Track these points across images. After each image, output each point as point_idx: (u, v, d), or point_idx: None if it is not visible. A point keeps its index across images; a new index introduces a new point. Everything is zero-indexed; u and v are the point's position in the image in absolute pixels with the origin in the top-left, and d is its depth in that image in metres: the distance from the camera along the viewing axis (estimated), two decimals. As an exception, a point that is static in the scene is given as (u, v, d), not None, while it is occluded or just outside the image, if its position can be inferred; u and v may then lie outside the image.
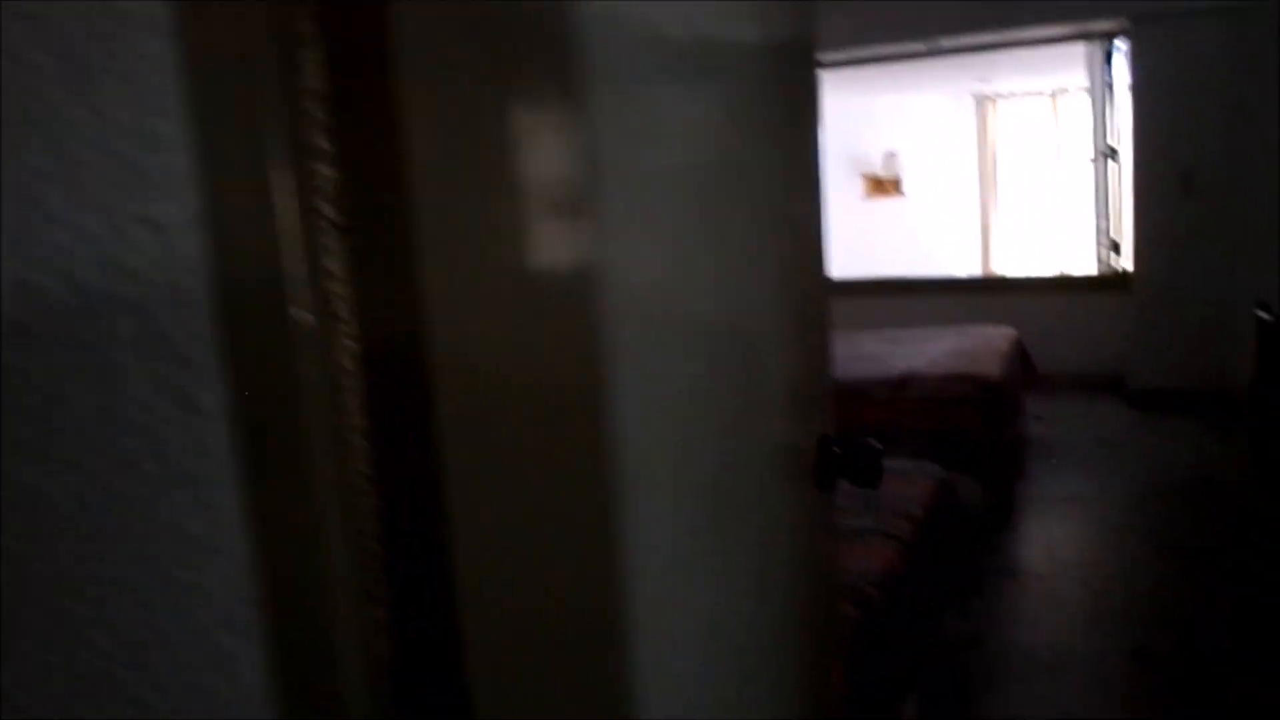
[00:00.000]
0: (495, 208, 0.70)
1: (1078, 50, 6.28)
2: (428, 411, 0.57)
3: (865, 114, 9.56)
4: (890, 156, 9.63)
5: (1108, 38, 5.92)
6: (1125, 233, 5.98)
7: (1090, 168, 6.40)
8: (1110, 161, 6.04)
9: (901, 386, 4.28)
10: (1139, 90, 5.66)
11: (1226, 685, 2.79)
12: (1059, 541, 3.93)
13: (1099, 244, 6.38)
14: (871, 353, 4.92)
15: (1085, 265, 6.81)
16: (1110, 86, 6.03)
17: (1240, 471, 4.44)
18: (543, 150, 0.72)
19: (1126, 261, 6.01)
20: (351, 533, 0.56)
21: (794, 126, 1.30)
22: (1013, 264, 9.32)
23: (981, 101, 9.66)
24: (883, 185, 9.76)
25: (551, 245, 0.73)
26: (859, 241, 9.48)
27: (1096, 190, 6.31)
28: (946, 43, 6.21)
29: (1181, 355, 5.75)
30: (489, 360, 0.73)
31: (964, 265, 9.32)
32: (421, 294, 0.56)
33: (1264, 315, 3.32)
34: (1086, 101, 6.41)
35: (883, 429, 4.20)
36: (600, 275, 0.75)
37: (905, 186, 9.79)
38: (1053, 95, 9.34)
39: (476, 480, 0.73)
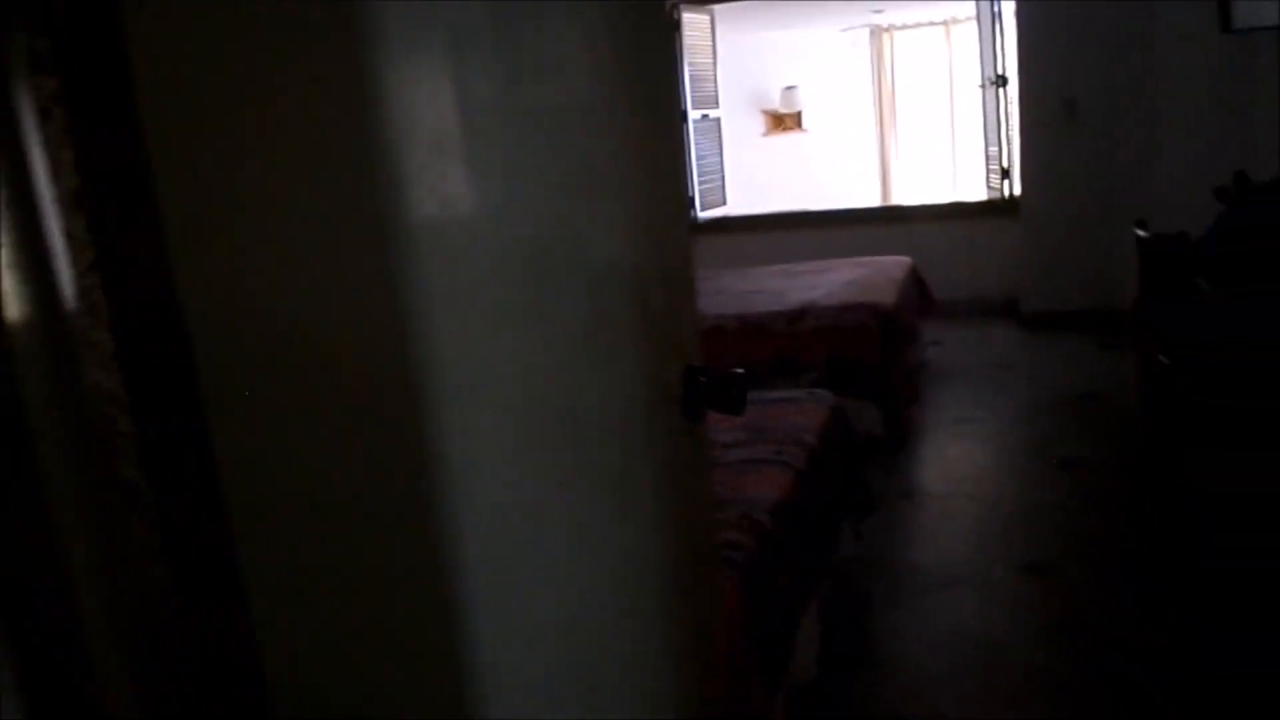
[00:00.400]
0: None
1: (966, -22, 6.33)
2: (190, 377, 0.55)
3: (763, 50, 9.55)
4: (789, 91, 9.64)
5: (993, -35, 5.98)
6: (1015, 159, 6.10)
7: (980, 96, 6.49)
8: (1000, 90, 6.14)
9: (799, 318, 4.33)
10: (1024, 18, 5.74)
11: (1115, 594, 2.92)
12: (954, 461, 4.05)
13: (989, 171, 6.51)
14: (771, 287, 4.97)
15: (979, 193, 6.94)
16: (998, 15, 6.11)
17: (1124, 386, 4.62)
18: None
19: (1017, 188, 6.15)
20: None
21: (648, 64, 1.27)
22: (911, 194, 9.46)
23: (877, 33, 9.72)
24: (783, 120, 9.79)
25: (344, 183, 0.70)
26: (761, 177, 9.52)
27: (986, 118, 6.41)
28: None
29: (1069, 277, 5.93)
30: (273, 315, 0.70)
31: (864, 197, 9.43)
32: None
33: (1142, 234, 3.43)
34: (976, 30, 6.48)
35: (783, 360, 4.27)
36: (407, 209, 0.73)
37: (805, 121, 9.82)
38: (945, 24, 9.44)
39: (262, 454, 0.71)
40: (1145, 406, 4.12)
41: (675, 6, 6.39)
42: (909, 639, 2.78)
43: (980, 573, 3.09)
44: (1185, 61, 5.09)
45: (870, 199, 9.52)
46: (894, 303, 4.38)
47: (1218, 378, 3.01)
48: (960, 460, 4.06)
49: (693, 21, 6.53)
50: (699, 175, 6.65)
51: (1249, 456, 2.80)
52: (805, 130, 9.80)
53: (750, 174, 9.52)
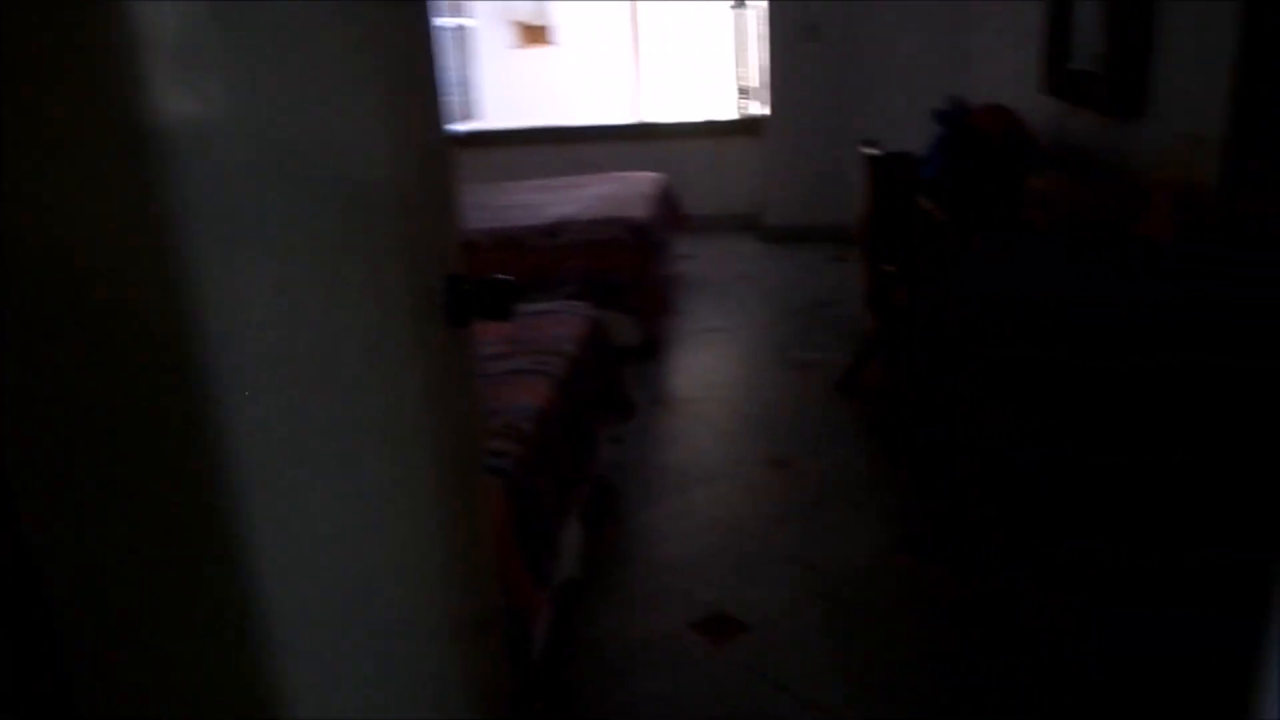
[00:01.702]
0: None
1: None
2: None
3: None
4: (539, 3, 9.51)
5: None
6: (761, 80, 6.36)
7: (731, 17, 6.69)
8: (745, 10, 6.36)
9: (556, 232, 4.38)
10: (766, -61, 5.95)
11: (843, 480, 3.22)
12: (703, 368, 4.28)
13: (738, 90, 6.76)
14: (527, 201, 4.98)
15: (728, 110, 7.19)
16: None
17: (853, 293, 5.02)
18: None
19: (763, 107, 6.43)
20: None
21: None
22: (663, 111, 9.65)
23: (627, -53, 9.71)
24: (534, 33, 9.66)
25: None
26: (513, 91, 9.39)
27: (736, 38, 6.63)
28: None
29: (807, 194, 6.31)
30: None
31: (618, 113, 9.51)
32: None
33: (870, 151, 3.70)
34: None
35: (541, 274, 4.32)
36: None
37: (557, 35, 9.74)
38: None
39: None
40: (870, 311, 4.51)
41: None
42: (665, 532, 2.96)
43: (728, 469, 3.32)
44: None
45: (623, 115, 9.63)
46: (647, 218, 4.52)
47: (931, 290, 3.34)
48: (709, 367, 4.30)
49: (440, -76, 6.29)
50: (451, 87, 6.48)
51: (944, 360, 3.14)
52: (556, 44, 9.72)
53: (502, 87, 9.38)
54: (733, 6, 6.58)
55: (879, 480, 3.20)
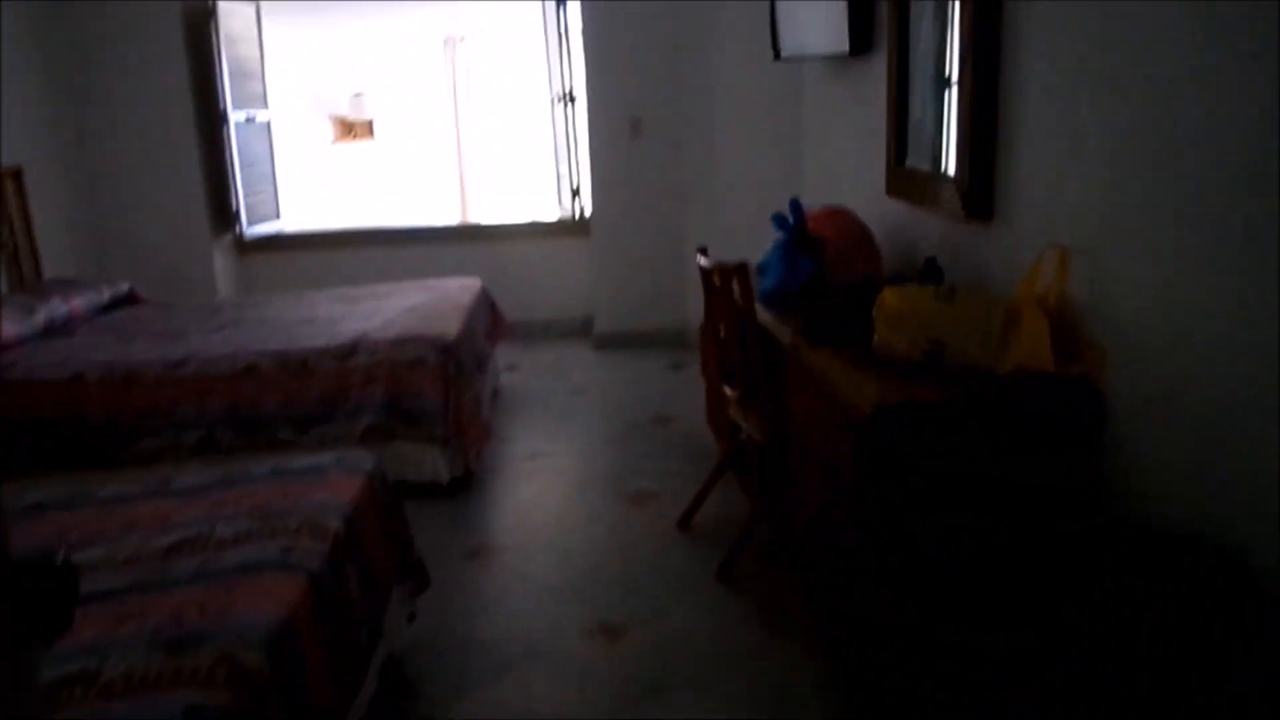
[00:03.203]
0: None
1: (534, -9, 6.13)
2: None
3: (331, 53, 8.82)
4: (358, 98, 9.00)
5: (555, -20, 5.82)
6: (585, 177, 5.99)
7: (550, 112, 6.32)
8: (568, 106, 6.00)
9: (350, 354, 3.79)
10: (590, 34, 5.62)
11: (701, 655, 2.70)
12: (524, 506, 3.72)
13: (560, 189, 6.36)
14: (323, 315, 4.38)
15: (552, 211, 6.79)
16: (565, 31, 5.95)
17: (693, 408, 4.60)
18: None
19: (589, 207, 6.04)
20: None
21: None
22: (487, 211, 9.21)
23: (451, 42, 9.36)
24: (352, 128, 9.12)
25: None
26: (329, 189, 8.80)
27: (556, 135, 6.26)
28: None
29: (639, 297, 5.92)
30: None
31: (441, 213, 9.03)
32: None
33: (703, 262, 3.31)
34: (544, 44, 6.31)
35: (331, 402, 3.71)
36: None
37: (376, 130, 9.22)
38: (522, 34, 9.29)
39: None
40: (710, 426, 4.08)
41: (209, -6, 5.55)
42: (469, 742, 2.36)
43: (552, 643, 2.75)
44: (741, 84, 5.21)
45: (446, 215, 9.14)
46: (458, 332, 3.98)
47: (792, 416, 2.91)
48: (531, 503, 3.74)
49: (233, 11, 5.71)
50: (244, 185, 5.83)
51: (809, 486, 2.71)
52: (374, 139, 9.20)
53: (317, 185, 8.77)
54: (551, 102, 6.22)
55: (735, 649, 2.70)
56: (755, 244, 3.56)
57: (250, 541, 2.04)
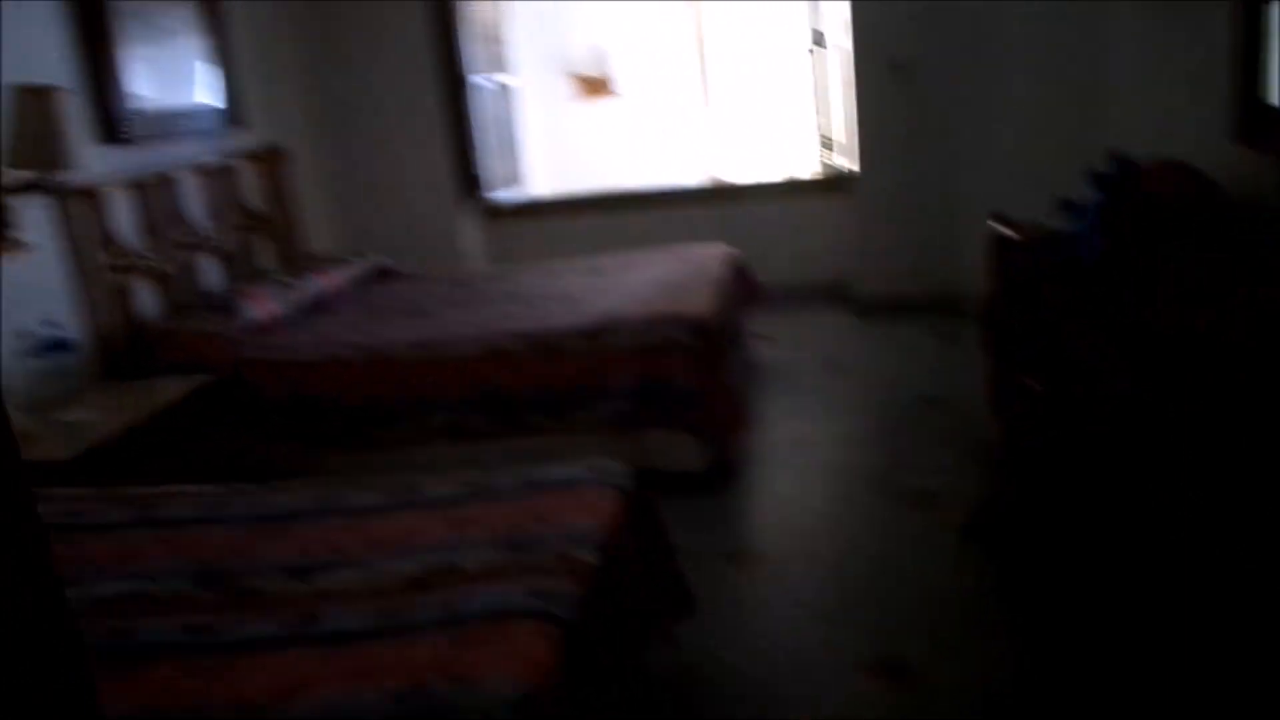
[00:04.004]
0: None
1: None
2: None
3: (567, 8, 8.66)
4: (599, 53, 8.80)
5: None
6: (841, 129, 5.49)
7: (809, 61, 5.84)
8: (824, 52, 5.49)
9: (599, 334, 3.55)
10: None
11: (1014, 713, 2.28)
12: (786, 503, 3.36)
13: (820, 144, 5.88)
14: (569, 290, 4.17)
15: (808, 167, 6.33)
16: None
17: (970, 390, 4.07)
18: None
19: (846, 161, 5.54)
20: None
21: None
22: (737, 169, 8.82)
23: (693, -11, 8.97)
24: (593, 85, 8.94)
25: None
26: (571, 150, 8.70)
27: (815, 85, 5.77)
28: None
29: (905, 260, 5.39)
30: None
31: (687, 172, 8.73)
32: None
33: (1003, 230, 2.81)
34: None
35: (581, 385, 3.48)
36: None
37: (618, 86, 9.00)
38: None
39: None
40: (996, 420, 3.56)
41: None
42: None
43: (824, 680, 2.40)
44: (1030, 12, 4.51)
45: (693, 174, 8.83)
46: (711, 308, 3.65)
47: (1108, 413, 2.39)
48: (793, 500, 3.37)
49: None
50: (487, 150, 5.74)
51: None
52: (617, 95, 8.99)
53: (558, 146, 8.68)
54: (810, 49, 5.72)
55: (1059, 705, 2.25)
56: (1038, 202, 3.01)
57: (498, 579, 1.80)
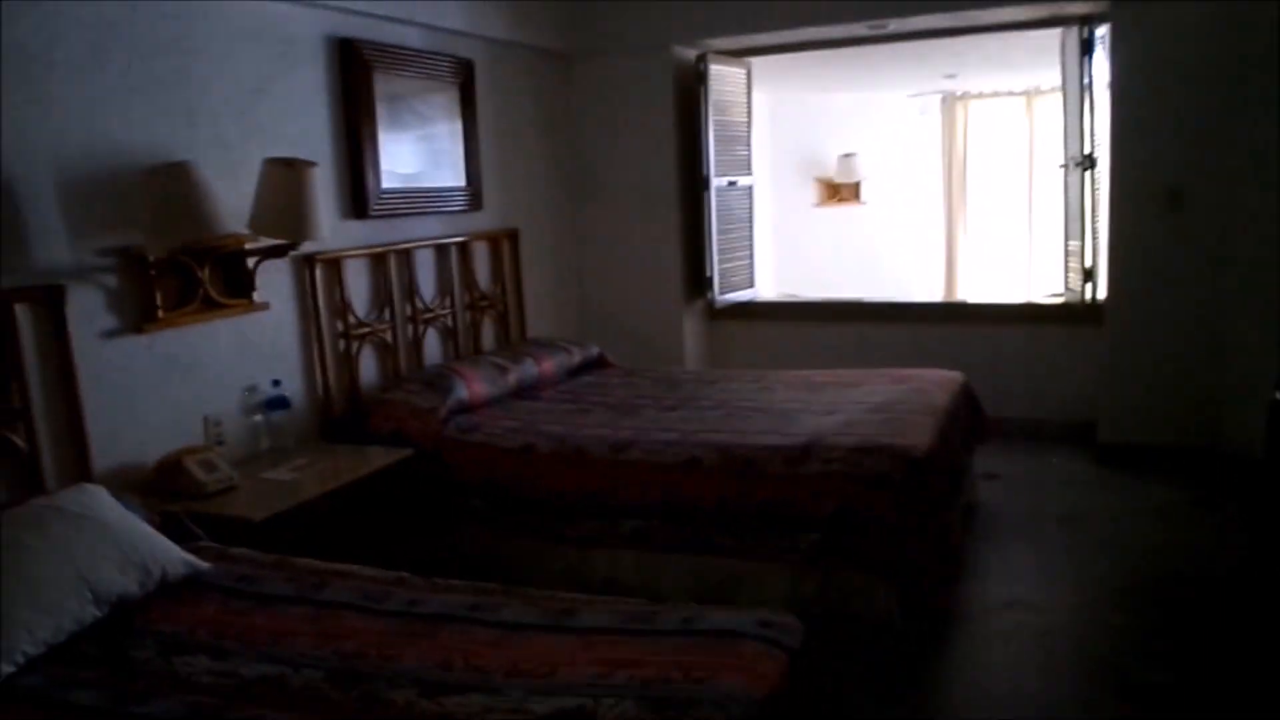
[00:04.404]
0: None
1: (1053, 42, 5.32)
2: None
3: (820, 113, 8.62)
4: (847, 159, 8.66)
5: (1086, 22, 4.96)
6: (1102, 257, 5.02)
7: (1062, 179, 5.43)
8: (1087, 173, 5.07)
9: (802, 458, 3.30)
10: (1119, 82, 4.71)
11: None
12: (988, 685, 2.93)
13: (1069, 269, 5.42)
14: (780, 403, 3.96)
15: (1056, 293, 5.85)
16: (1089, 86, 5.06)
17: (1229, 568, 3.50)
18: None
19: (1101, 290, 5.06)
20: None
21: None
22: (979, 287, 8.38)
23: (949, 101, 8.72)
24: (839, 191, 8.80)
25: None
26: (810, 256, 8.57)
27: (1068, 206, 5.34)
28: (895, 26, 5.24)
29: (1161, 405, 4.81)
30: None
31: (926, 289, 8.38)
32: None
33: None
34: (1061, 102, 5.45)
35: (775, 511, 3.24)
36: None
37: (864, 194, 8.82)
38: (1027, 95, 8.40)
39: None
40: (1267, 605, 3.01)
41: (703, 58, 5.48)
42: None
43: None
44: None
45: (932, 289, 8.47)
46: (930, 444, 3.33)
47: None
48: (1002, 682, 2.94)
49: (723, 74, 5.60)
50: (720, 251, 5.67)
51: None
52: (863, 203, 8.79)
53: (798, 250, 8.57)
54: (1064, 166, 5.30)
55: None
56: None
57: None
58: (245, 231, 3.30)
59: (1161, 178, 4.66)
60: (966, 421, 4.14)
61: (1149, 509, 4.25)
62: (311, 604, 2.28)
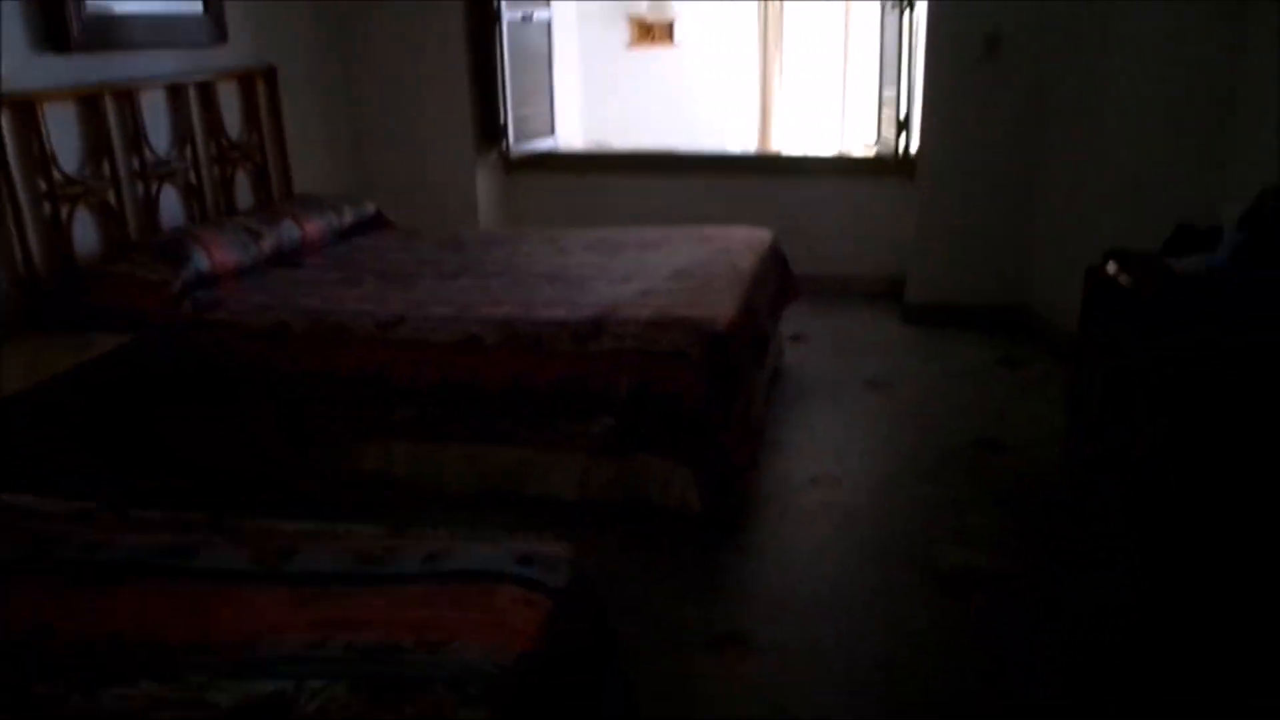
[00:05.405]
0: None
1: None
2: None
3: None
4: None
5: None
6: (916, 105, 4.78)
7: (879, 21, 5.11)
8: (904, 14, 4.75)
9: (594, 334, 2.94)
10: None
11: None
12: (795, 569, 2.74)
13: (881, 118, 5.17)
14: (574, 271, 3.57)
15: (869, 145, 5.62)
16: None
17: (1041, 432, 3.43)
18: None
19: (916, 143, 4.84)
20: None
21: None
22: (794, 137, 8.11)
23: (767, -66, 8.19)
24: (651, 30, 8.24)
25: None
26: (618, 101, 8.05)
27: (884, 52, 5.04)
28: None
29: (970, 262, 4.71)
30: None
31: (738, 138, 8.04)
32: None
33: (1120, 275, 2.16)
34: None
35: (566, 392, 2.89)
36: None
37: (678, 35, 8.29)
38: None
39: None
40: (1076, 483, 2.93)
41: None
42: None
43: None
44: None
45: (746, 137, 8.14)
46: (733, 315, 3.03)
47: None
48: (805, 569, 2.75)
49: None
50: (515, 95, 5.10)
51: None
52: (676, 45, 8.28)
53: (608, 96, 8.04)
54: (884, 6, 4.98)
55: None
56: (1138, 223, 2.34)
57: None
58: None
59: (979, 23, 4.40)
60: (775, 284, 3.88)
61: (956, 371, 4.16)
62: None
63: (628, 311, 3.01)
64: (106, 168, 3.45)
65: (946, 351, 4.38)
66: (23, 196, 3.13)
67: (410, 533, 1.77)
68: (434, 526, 1.79)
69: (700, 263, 3.56)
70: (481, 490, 3.05)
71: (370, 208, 4.37)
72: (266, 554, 1.72)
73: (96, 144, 3.40)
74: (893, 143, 4.98)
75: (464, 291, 3.33)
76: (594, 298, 3.18)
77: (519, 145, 5.23)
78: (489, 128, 5.14)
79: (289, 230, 3.82)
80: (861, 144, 5.65)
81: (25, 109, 3.12)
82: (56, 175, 3.23)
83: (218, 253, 3.44)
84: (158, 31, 3.70)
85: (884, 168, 5.09)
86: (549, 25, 5.37)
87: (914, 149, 4.84)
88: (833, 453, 3.43)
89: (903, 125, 4.89)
